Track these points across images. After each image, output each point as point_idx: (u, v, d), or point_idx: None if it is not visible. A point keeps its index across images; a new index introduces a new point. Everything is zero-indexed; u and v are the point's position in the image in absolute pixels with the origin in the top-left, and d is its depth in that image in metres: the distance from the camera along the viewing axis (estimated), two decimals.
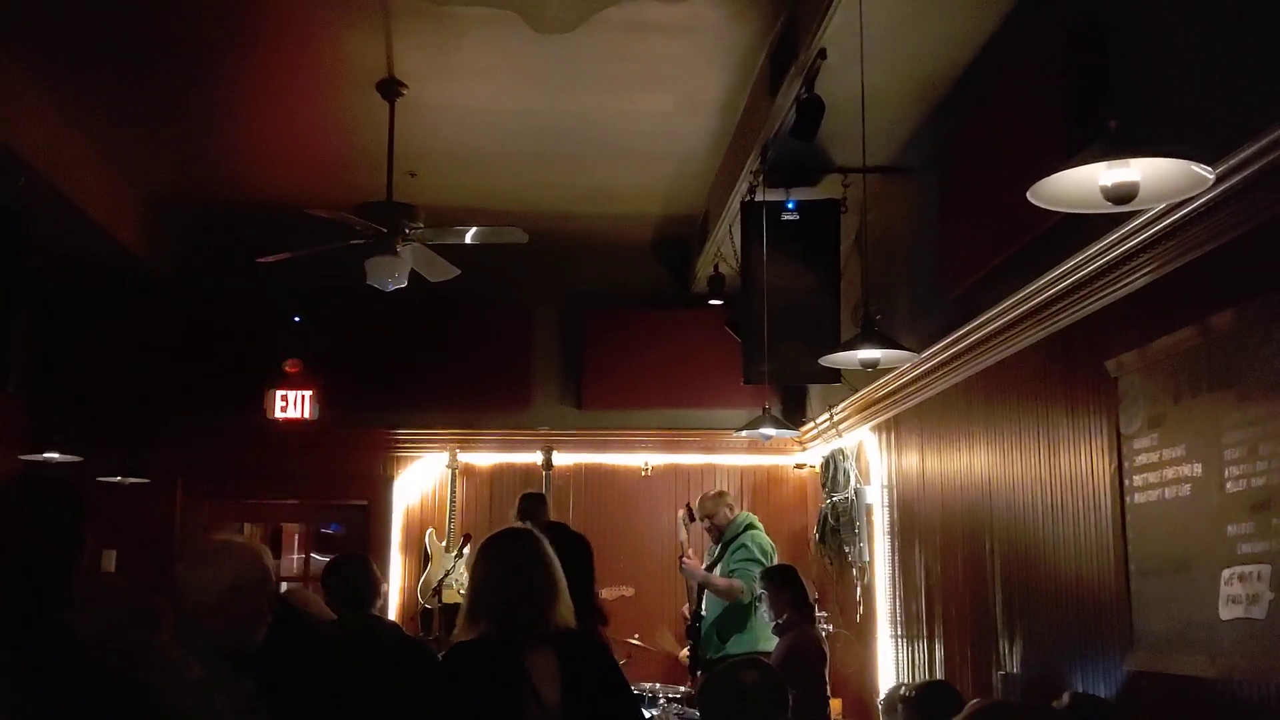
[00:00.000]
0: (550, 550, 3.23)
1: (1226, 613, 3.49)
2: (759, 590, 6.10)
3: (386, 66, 5.81)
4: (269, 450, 8.48)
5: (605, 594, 7.30)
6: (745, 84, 5.97)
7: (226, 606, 2.83)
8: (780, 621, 5.94)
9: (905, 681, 6.19)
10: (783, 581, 6.06)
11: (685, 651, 7.17)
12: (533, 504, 7.17)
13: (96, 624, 2.60)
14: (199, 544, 5.28)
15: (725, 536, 6.99)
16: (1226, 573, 3.50)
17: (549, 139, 6.71)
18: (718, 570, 6.90)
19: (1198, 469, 3.67)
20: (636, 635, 7.35)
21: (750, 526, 7.01)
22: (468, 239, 6.16)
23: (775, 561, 6.72)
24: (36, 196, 6.00)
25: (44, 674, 2.26)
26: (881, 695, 5.93)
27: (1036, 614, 4.85)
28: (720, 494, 7.32)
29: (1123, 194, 2.54)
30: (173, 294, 8.39)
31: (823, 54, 4.80)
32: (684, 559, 7.03)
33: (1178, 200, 3.08)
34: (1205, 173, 2.55)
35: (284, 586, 9.30)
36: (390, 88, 5.93)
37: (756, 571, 6.40)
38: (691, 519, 7.28)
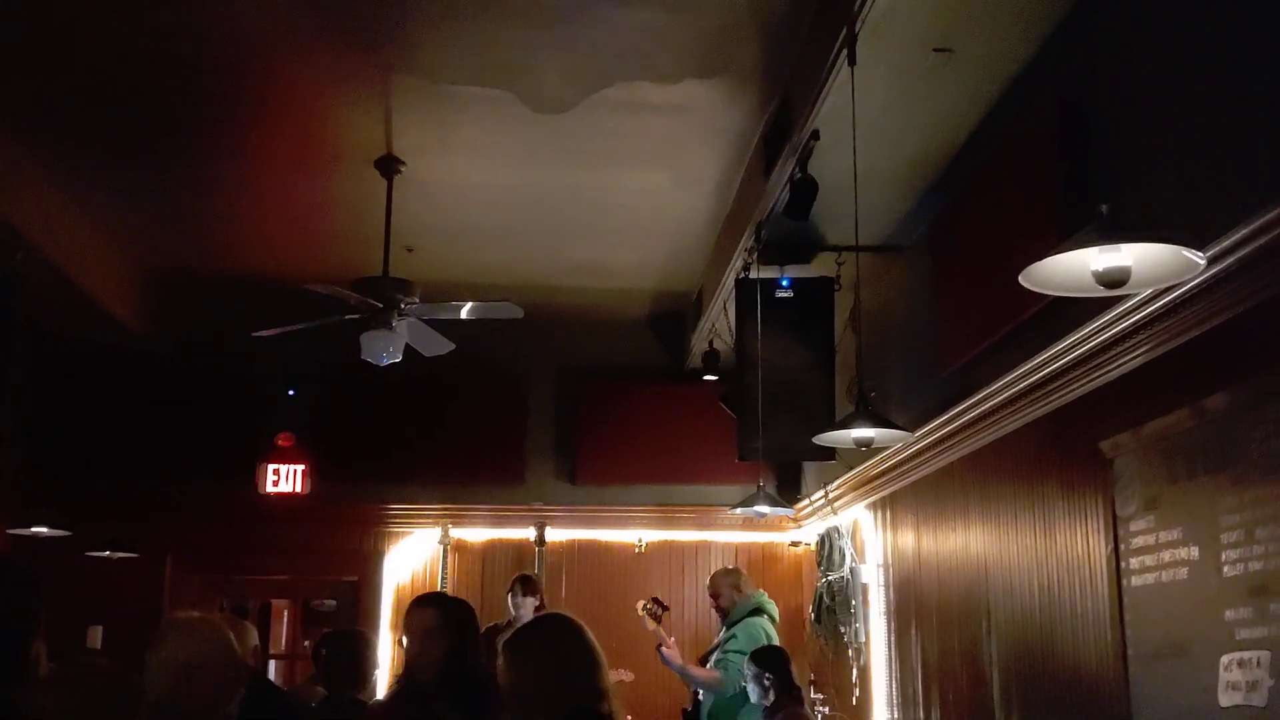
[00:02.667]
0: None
1: (1226, 699, 3.44)
2: (741, 684, 5.98)
3: (385, 143, 5.87)
4: (260, 524, 8.41)
5: None
6: (740, 163, 6.03)
7: (185, 685, 2.79)
8: (768, 705, 5.85)
9: None
10: (768, 664, 5.96)
11: None
12: (522, 586, 7.11)
13: (68, 705, 2.56)
14: (159, 623, 5.23)
15: (730, 618, 6.86)
16: (1225, 658, 3.46)
17: (545, 215, 6.75)
18: (714, 656, 6.79)
19: (1194, 552, 3.63)
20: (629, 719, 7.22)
21: (755, 611, 6.84)
22: (463, 314, 6.17)
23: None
24: (32, 269, 6.01)
25: None
26: None
27: (1034, 698, 4.78)
28: (731, 572, 7.17)
29: (1115, 278, 2.55)
30: (166, 367, 8.37)
31: (816, 135, 4.85)
32: (662, 648, 6.91)
33: (1169, 285, 3.09)
34: (1196, 258, 2.55)
35: (272, 664, 9.29)
36: (389, 165, 5.98)
37: (741, 663, 6.26)
38: (663, 608, 7.18)
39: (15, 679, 2.38)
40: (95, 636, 8.15)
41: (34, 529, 7.70)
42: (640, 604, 7.29)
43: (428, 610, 3.56)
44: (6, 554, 7.87)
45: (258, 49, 5.06)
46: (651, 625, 7.13)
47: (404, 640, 3.65)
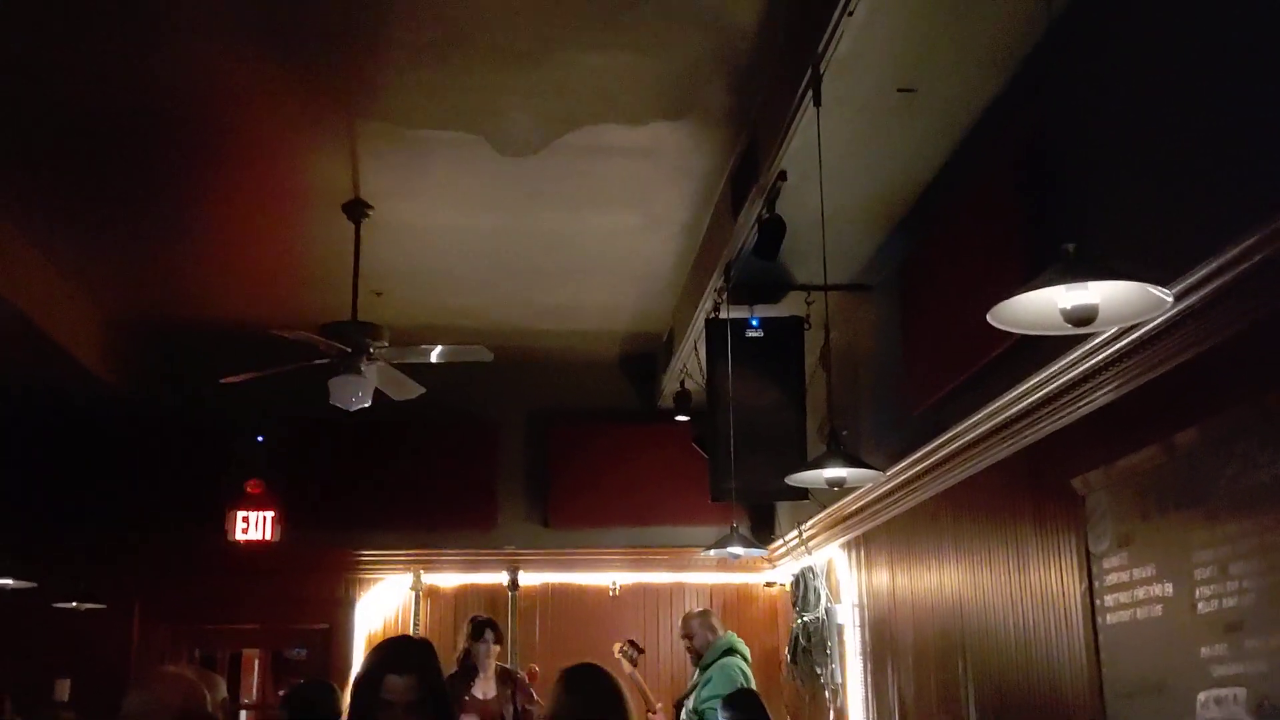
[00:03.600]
0: None
1: None
2: None
3: (353, 188, 5.85)
4: (229, 573, 8.30)
5: None
6: (708, 204, 6.04)
7: None
8: None
9: None
10: (743, 708, 5.90)
11: None
12: (480, 621, 6.93)
13: None
14: (138, 678, 5.21)
15: (704, 660, 6.83)
16: (1203, 696, 3.44)
17: (514, 257, 6.74)
18: (690, 702, 6.73)
19: (1169, 589, 3.62)
20: None
21: (728, 652, 6.81)
22: (433, 358, 6.13)
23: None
24: None
25: None
26: None
27: None
28: (703, 613, 7.16)
29: (1082, 316, 2.55)
30: (134, 414, 8.28)
31: (783, 175, 4.86)
32: (651, 714, 6.87)
33: (1136, 322, 3.09)
34: (1163, 295, 2.56)
35: (243, 716, 9.14)
36: (356, 209, 5.96)
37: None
38: (639, 650, 7.12)
39: None
40: (63, 689, 8.02)
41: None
42: (617, 646, 7.23)
43: (410, 680, 3.26)
44: None
45: (223, 94, 5.04)
46: (628, 668, 7.06)
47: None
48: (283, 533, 8.32)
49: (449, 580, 8.57)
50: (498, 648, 6.82)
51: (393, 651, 3.12)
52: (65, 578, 7.86)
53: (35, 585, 7.65)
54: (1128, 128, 3.77)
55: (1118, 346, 3.66)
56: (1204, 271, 3.14)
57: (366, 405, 6.09)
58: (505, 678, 6.76)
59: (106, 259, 6.73)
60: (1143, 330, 3.45)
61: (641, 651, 7.17)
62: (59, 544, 8.04)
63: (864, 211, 5.53)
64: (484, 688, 6.48)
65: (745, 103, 5.10)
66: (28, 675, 7.71)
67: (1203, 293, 3.19)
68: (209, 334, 7.61)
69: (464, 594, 8.55)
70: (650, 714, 6.86)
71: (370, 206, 5.96)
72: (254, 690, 9.81)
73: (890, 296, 5.92)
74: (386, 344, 6.06)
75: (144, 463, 8.39)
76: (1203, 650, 3.44)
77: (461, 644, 6.71)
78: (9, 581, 7.60)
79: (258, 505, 8.38)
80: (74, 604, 7.90)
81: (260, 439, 8.43)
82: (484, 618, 7.03)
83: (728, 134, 5.36)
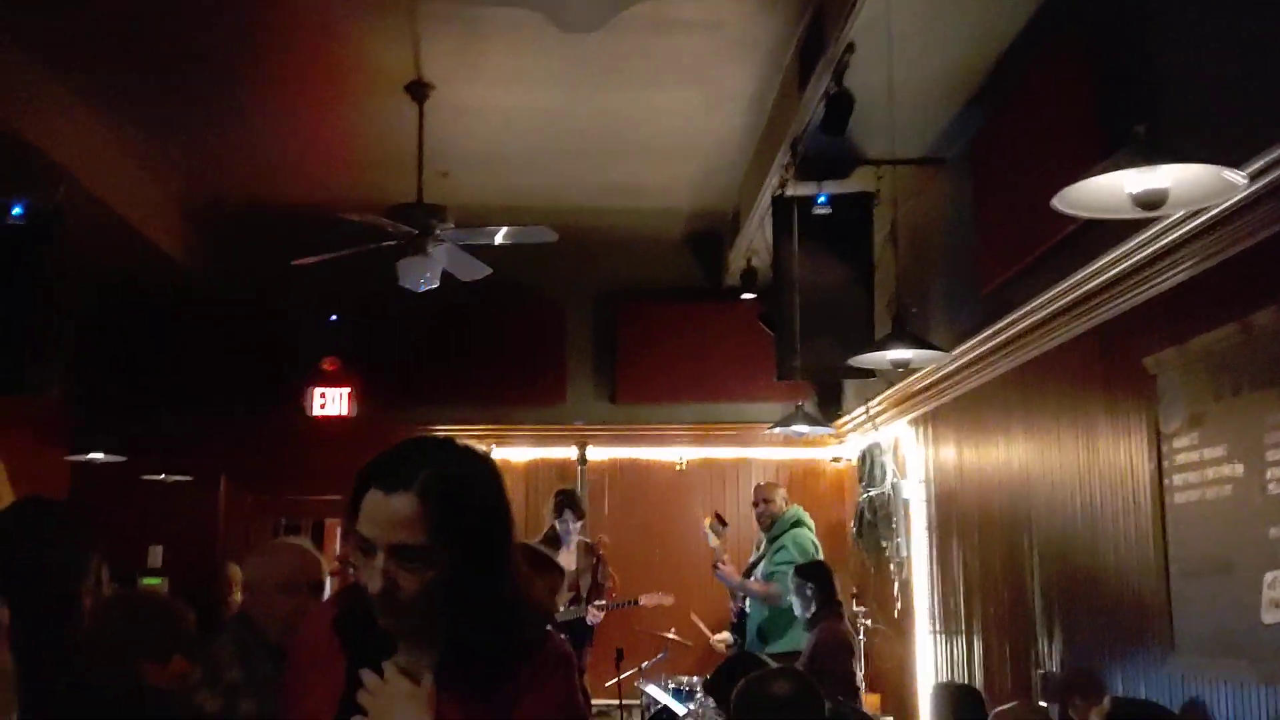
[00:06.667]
0: None
1: (1270, 617, 3.43)
2: (791, 588, 6.08)
3: (414, 69, 5.81)
4: (308, 446, 8.52)
5: (645, 601, 7.31)
6: (774, 78, 5.91)
7: (280, 604, 2.92)
8: (809, 616, 5.94)
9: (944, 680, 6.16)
10: (811, 577, 6.05)
11: (721, 637, 7.17)
12: (565, 496, 7.21)
13: (119, 628, 2.66)
14: (259, 544, 5.47)
15: (772, 532, 6.97)
16: (1269, 576, 3.43)
17: (577, 136, 6.68)
18: (761, 566, 6.88)
19: (1239, 469, 3.60)
20: (673, 629, 7.34)
21: (797, 524, 6.96)
22: (498, 240, 6.14)
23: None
24: (74, 203, 6.05)
25: (60, 693, 2.31)
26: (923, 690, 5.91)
27: (1076, 613, 4.79)
28: (776, 485, 7.31)
29: (1151, 200, 2.48)
30: (211, 297, 8.46)
31: (851, 48, 4.73)
32: (719, 565, 7.01)
33: (1207, 205, 3.00)
34: (1237, 178, 2.48)
35: (329, 582, 9.50)
36: (419, 90, 5.92)
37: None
38: (724, 525, 7.25)
39: (68, 618, 2.48)
40: (155, 556, 8.39)
41: (91, 455, 7.92)
42: (706, 520, 7.36)
43: None
44: (67, 480, 8.11)
45: None
46: (715, 541, 7.21)
47: None
48: (359, 408, 8.54)
49: (520, 455, 8.72)
50: (579, 524, 7.09)
51: None
52: (153, 452, 8.18)
53: (125, 459, 7.96)
54: (1202, 4, 3.61)
55: (1193, 225, 3.57)
56: None
57: (435, 286, 6.14)
58: (588, 551, 7.07)
59: (177, 144, 6.79)
60: (1219, 209, 3.35)
61: (726, 525, 7.30)
62: (146, 421, 8.31)
63: (935, 84, 5.39)
64: (566, 559, 6.70)
65: None
66: (122, 543, 8.07)
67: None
68: (280, 218, 7.68)
69: (534, 468, 8.71)
70: (718, 565, 7.02)
71: (432, 87, 5.91)
72: (334, 557, 10.18)
73: (961, 171, 5.80)
74: (452, 225, 6.07)
75: (223, 343, 8.58)
76: (1271, 531, 3.43)
77: (548, 518, 7.12)
78: (100, 456, 7.93)
79: (334, 382, 8.61)
80: (162, 476, 8.22)
81: (334, 319, 8.57)
82: (565, 492, 7.24)
83: (794, 6, 5.20)
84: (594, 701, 6.84)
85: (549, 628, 1.79)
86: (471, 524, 1.66)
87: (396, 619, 1.65)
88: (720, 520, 7.28)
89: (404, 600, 1.63)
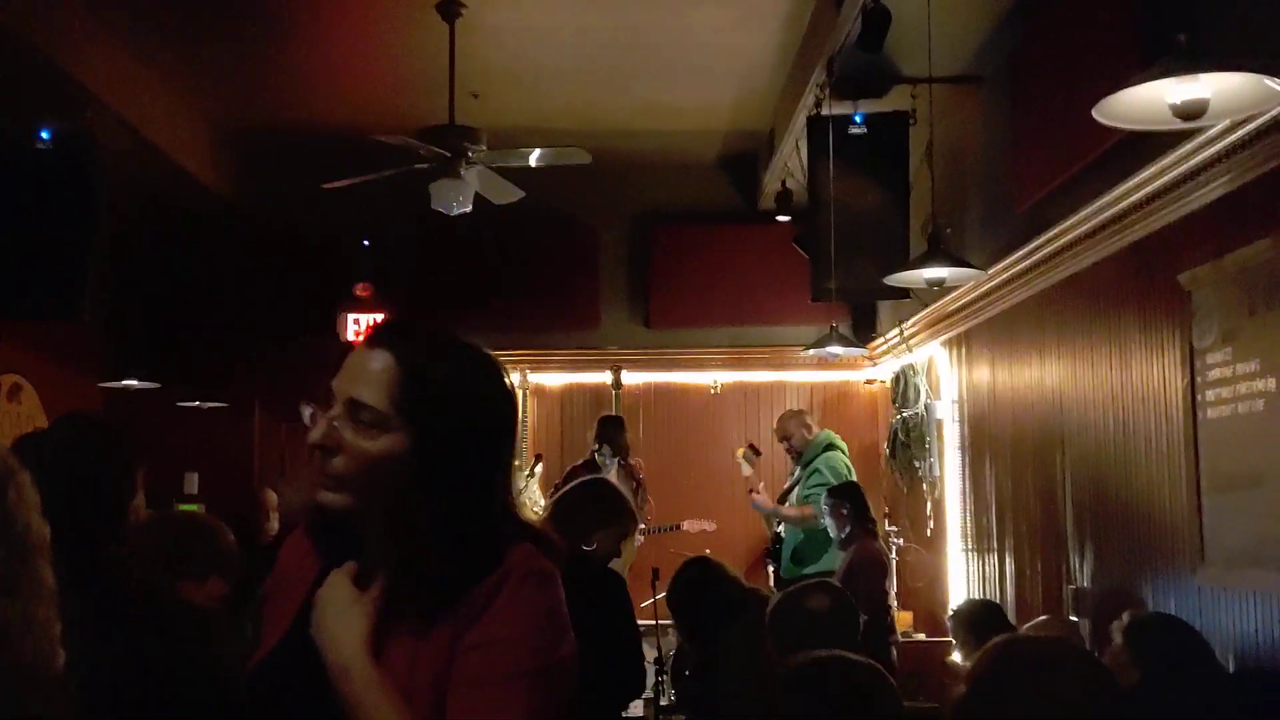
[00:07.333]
0: None
1: None
2: (825, 509, 6.15)
3: None
4: None
5: (688, 526, 7.40)
6: None
7: None
8: (843, 536, 6.02)
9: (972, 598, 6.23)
10: (844, 497, 6.11)
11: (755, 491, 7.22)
12: (608, 428, 7.26)
13: (160, 548, 2.71)
14: (293, 471, 5.52)
15: (804, 458, 7.02)
16: None
17: (610, 57, 6.64)
18: (796, 491, 6.95)
19: (1272, 384, 3.60)
20: (708, 551, 7.43)
21: (829, 447, 7.02)
22: (531, 162, 6.13)
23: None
24: (104, 126, 6.08)
25: (102, 613, 2.36)
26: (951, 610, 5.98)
27: (1107, 528, 4.83)
28: (797, 413, 7.32)
29: (1192, 110, 2.47)
30: (243, 221, 8.48)
31: None
32: (753, 493, 7.09)
33: (1250, 114, 2.97)
34: (1278, 86, 2.46)
35: None
36: (449, 8, 5.87)
37: None
38: (757, 454, 7.30)
39: (111, 534, 2.51)
40: (191, 482, 8.51)
41: (125, 382, 8.00)
42: (740, 451, 7.42)
43: None
44: (100, 407, 8.20)
45: None
46: (749, 470, 7.27)
47: None
48: None
49: (555, 380, 8.79)
50: (616, 459, 7.13)
51: None
52: (188, 379, 8.26)
53: (159, 386, 8.04)
54: None
55: (1231, 139, 3.53)
56: None
57: (468, 210, 6.15)
58: (628, 476, 7.11)
59: (206, 66, 6.79)
60: (1258, 121, 3.32)
61: (759, 454, 7.35)
62: (180, 347, 8.37)
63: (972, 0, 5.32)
64: None
65: None
66: (157, 469, 8.19)
67: None
68: (311, 141, 7.69)
69: (569, 392, 8.78)
70: (753, 493, 7.10)
71: (463, 5, 5.87)
72: None
73: (998, 89, 5.74)
74: (485, 147, 6.06)
75: (255, 268, 8.60)
76: None
77: (590, 445, 7.26)
78: (135, 383, 7.99)
79: (367, 308, 8.60)
80: (196, 403, 8.30)
81: (366, 243, 8.57)
82: (610, 425, 7.25)
83: None
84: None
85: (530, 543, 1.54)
86: (445, 412, 1.50)
87: (335, 489, 1.50)
88: (754, 450, 7.34)
89: (342, 466, 1.50)
